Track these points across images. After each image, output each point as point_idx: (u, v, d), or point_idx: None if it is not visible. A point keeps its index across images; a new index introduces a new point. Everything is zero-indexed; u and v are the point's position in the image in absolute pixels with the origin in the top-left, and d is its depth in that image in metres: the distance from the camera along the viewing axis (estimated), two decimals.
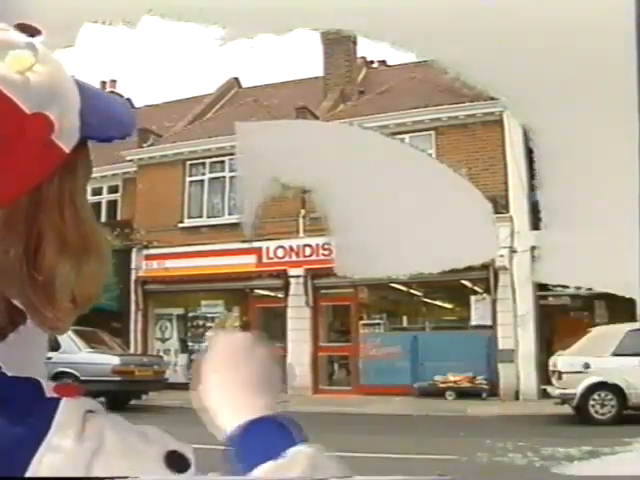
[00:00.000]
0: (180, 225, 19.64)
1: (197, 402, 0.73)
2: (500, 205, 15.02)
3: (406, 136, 15.17)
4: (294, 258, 17.98)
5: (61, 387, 0.57)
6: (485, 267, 14.72)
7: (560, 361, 12.32)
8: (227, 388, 0.76)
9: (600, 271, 1.07)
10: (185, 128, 21.63)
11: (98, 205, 22.16)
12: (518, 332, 15.76)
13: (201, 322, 19.65)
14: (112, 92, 26.93)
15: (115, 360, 14.42)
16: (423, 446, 9.29)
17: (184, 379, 18.76)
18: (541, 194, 1.06)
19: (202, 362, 0.85)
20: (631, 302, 1.07)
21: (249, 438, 0.67)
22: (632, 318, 9.52)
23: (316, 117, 18.41)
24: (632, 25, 0.90)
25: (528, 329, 15.74)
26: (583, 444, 9.13)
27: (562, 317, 16.02)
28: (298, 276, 17.88)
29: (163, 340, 20.01)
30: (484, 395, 15.47)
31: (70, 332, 14.47)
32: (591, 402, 11.86)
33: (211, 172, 19.71)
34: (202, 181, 19.93)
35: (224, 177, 19.27)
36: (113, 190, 21.90)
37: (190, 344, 19.61)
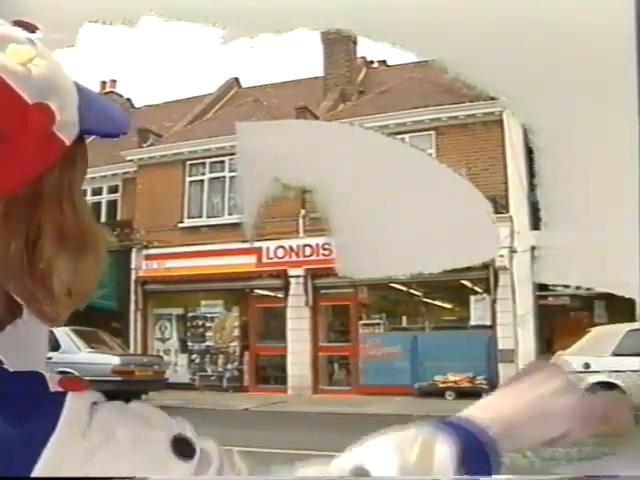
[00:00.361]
0: (180, 225, 19.65)
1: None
2: (500, 205, 15.03)
3: (406, 136, 15.17)
4: (294, 258, 17.98)
5: (66, 381, 0.57)
6: (485, 267, 14.73)
7: (560, 361, 12.32)
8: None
9: (600, 271, 1.07)
10: (185, 128, 21.64)
11: (98, 205, 22.18)
12: (518, 332, 15.77)
13: (201, 322, 19.66)
14: (112, 92, 26.98)
15: (115, 360, 14.43)
16: None
17: (184, 379, 18.79)
18: (541, 194, 1.06)
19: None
20: (631, 302, 1.07)
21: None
22: (632, 318, 9.52)
23: (316, 117, 18.41)
24: (632, 25, 0.90)
25: (528, 329, 15.75)
26: (583, 444, 9.13)
27: (562, 317, 16.02)
28: (298, 276, 17.89)
29: (163, 340, 20.02)
30: (484, 395, 15.43)
31: (70, 332, 14.49)
32: None
33: (211, 172, 19.71)
34: (202, 181, 19.94)
35: (224, 177, 19.28)
36: (113, 190, 21.91)
37: (190, 344, 19.62)
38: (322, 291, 17.81)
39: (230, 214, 18.59)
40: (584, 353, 12.02)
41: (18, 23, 0.61)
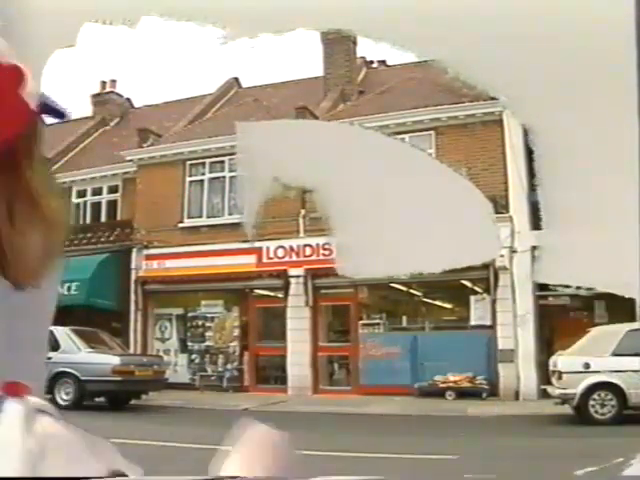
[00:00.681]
0: (180, 225, 19.64)
1: None
2: (500, 205, 15.02)
3: (406, 136, 15.17)
4: (294, 258, 17.98)
5: (9, 386, 0.55)
6: (485, 267, 14.72)
7: (560, 361, 12.32)
8: None
9: (600, 271, 1.07)
10: (185, 128, 21.64)
11: (98, 205, 22.18)
12: (518, 332, 15.76)
13: (201, 322, 19.65)
14: (112, 92, 26.97)
15: (115, 360, 14.42)
16: (423, 446, 9.29)
17: (184, 379, 18.78)
18: (541, 194, 1.06)
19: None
20: (631, 302, 1.07)
21: None
22: (632, 318, 9.53)
23: (316, 117, 18.41)
24: (632, 25, 0.90)
25: (528, 329, 15.74)
26: (583, 444, 9.13)
27: (562, 317, 16.01)
28: (298, 276, 17.88)
29: (163, 340, 20.01)
30: (484, 395, 15.47)
31: (70, 332, 14.48)
32: (591, 402, 11.86)
33: (211, 172, 19.71)
34: (202, 181, 19.93)
35: (224, 177, 19.27)
36: (113, 190, 21.90)
37: (190, 344, 19.61)
38: (322, 291, 17.81)
39: (230, 214, 18.58)
40: (584, 353, 12.02)
41: None
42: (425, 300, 17.96)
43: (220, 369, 18.96)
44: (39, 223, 0.59)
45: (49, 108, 0.60)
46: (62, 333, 14.03)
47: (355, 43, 20.73)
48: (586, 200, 1.05)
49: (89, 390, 14.07)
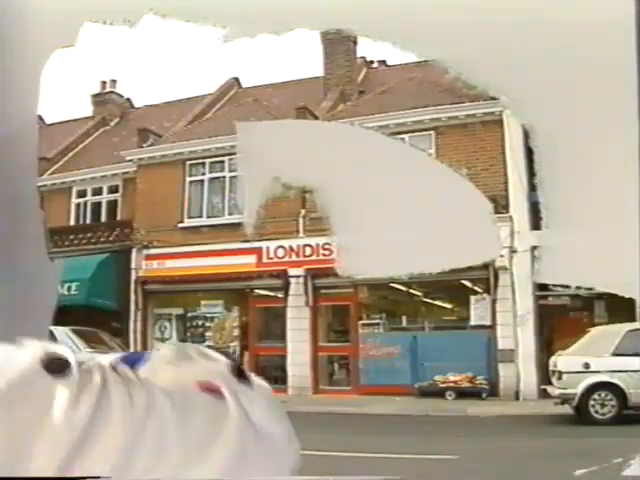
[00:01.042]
0: (180, 225, 19.64)
1: None
2: (500, 205, 15.02)
3: (406, 136, 15.16)
4: (294, 258, 17.98)
5: None
6: (485, 267, 14.72)
7: (560, 361, 12.32)
8: None
9: (600, 271, 1.07)
10: (185, 128, 21.63)
11: (98, 205, 22.17)
12: (518, 332, 15.76)
13: (201, 322, 19.66)
14: (112, 92, 26.96)
15: None
16: (423, 446, 9.29)
17: None
18: (541, 194, 1.06)
19: None
20: (631, 302, 1.07)
21: None
22: (632, 318, 9.53)
23: (316, 117, 18.40)
24: (632, 25, 0.90)
25: (528, 329, 15.74)
26: (583, 444, 9.13)
27: (562, 317, 16.01)
28: (298, 276, 17.88)
29: (163, 340, 19.99)
30: (484, 395, 15.47)
31: (70, 332, 14.48)
32: (591, 402, 11.86)
33: (211, 172, 19.70)
34: (202, 181, 19.92)
35: (224, 177, 19.26)
36: (113, 190, 21.89)
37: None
38: (322, 291, 17.80)
39: (230, 214, 18.58)
40: (584, 353, 12.02)
41: None
42: (425, 300, 17.96)
43: None
44: None
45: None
46: (62, 333, 14.02)
47: (355, 43, 20.72)
48: (586, 200, 1.05)
49: None
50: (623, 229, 0.97)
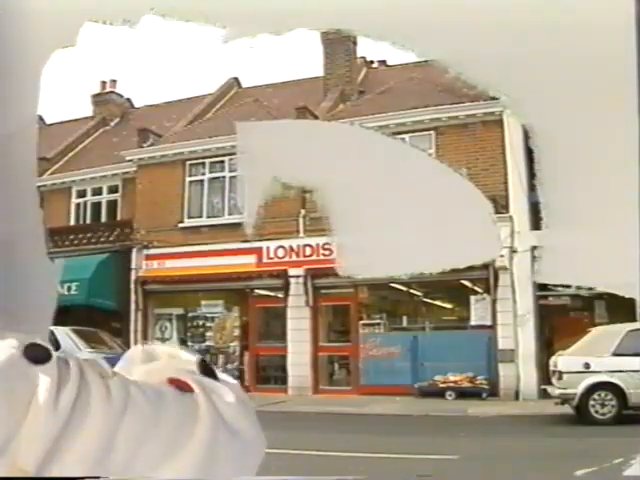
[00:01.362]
0: (180, 225, 19.65)
1: None
2: (500, 205, 15.03)
3: (406, 136, 15.17)
4: (294, 258, 17.98)
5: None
6: (485, 267, 14.73)
7: (560, 361, 12.32)
8: None
9: (601, 271, 1.07)
10: (185, 128, 21.64)
11: (98, 205, 22.18)
12: (518, 332, 15.77)
13: (201, 322, 19.67)
14: (112, 92, 26.98)
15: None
16: (423, 446, 9.29)
17: None
18: (541, 194, 1.06)
19: None
20: (631, 302, 1.07)
21: None
22: (632, 318, 9.53)
23: (316, 117, 18.41)
24: (632, 25, 0.90)
25: (528, 329, 15.74)
26: (583, 444, 9.13)
27: (562, 317, 16.02)
28: (298, 276, 17.89)
29: (163, 340, 20.00)
30: (484, 395, 15.48)
31: (70, 332, 14.50)
32: (591, 402, 11.86)
33: (211, 172, 19.71)
34: (202, 181, 19.93)
35: (224, 177, 19.27)
36: (113, 190, 21.90)
37: (190, 344, 19.61)
38: (322, 291, 17.81)
39: (230, 214, 18.59)
40: (584, 353, 12.02)
41: None
42: (425, 300, 17.97)
43: (220, 369, 18.94)
44: None
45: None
46: (62, 333, 14.03)
47: (355, 43, 20.74)
48: (586, 200, 1.05)
49: None
50: (623, 229, 0.97)
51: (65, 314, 13.44)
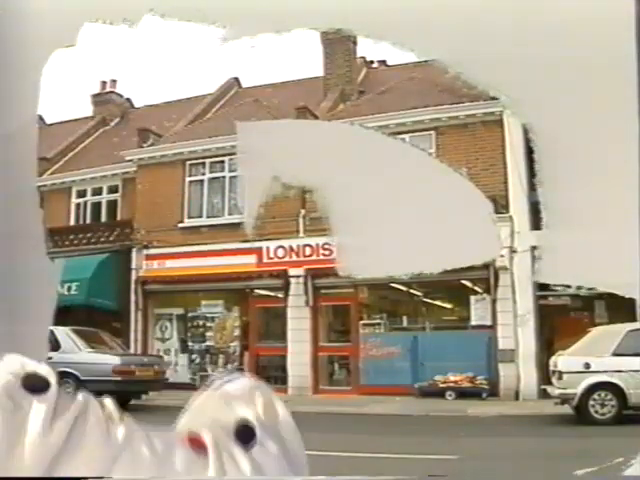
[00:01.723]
0: (180, 225, 19.64)
1: None
2: (500, 205, 15.02)
3: (406, 136, 15.16)
4: (294, 258, 17.98)
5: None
6: (485, 267, 14.72)
7: (560, 361, 12.31)
8: None
9: (601, 271, 1.07)
10: (185, 128, 21.64)
11: (98, 205, 22.18)
12: (518, 332, 15.76)
13: (201, 322, 19.66)
14: (112, 92, 26.96)
15: (115, 360, 14.42)
16: (423, 446, 9.29)
17: (184, 379, 18.78)
18: (541, 194, 1.06)
19: None
20: (631, 302, 1.07)
21: None
22: (632, 318, 9.52)
23: (316, 117, 18.41)
24: (632, 25, 0.90)
25: (528, 329, 15.74)
26: (583, 444, 9.13)
27: (562, 317, 16.01)
28: (298, 276, 17.88)
29: (163, 340, 20.01)
30: (484, 395, 15.47)
31: (70, 332, 14.48)
32: (591, 402, 11.85)
33: (211, 172, 19.71)
34: (202, 181, 19.93)
35: (224, 177, 19.27)
36: (113, 190, 21.89)
37: (190, 344, 19.62)
38: (322, 291, 17.80)
39: (230, 214, 18.59)
40: (584, 353, 12.01)
41: None
42: (425, 300, 17.96)
43: (221, 369, 18.95)
44: None
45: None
46: (62, 333, 14.02)
47: (355, 43, 20.72)
48: (586, 200, 1.05)
49: (89, 390, 13.95)
50: (623, 229, 0.97)
51: (65, 314, 13.43)
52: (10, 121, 1.05)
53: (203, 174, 19.92)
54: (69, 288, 17.60)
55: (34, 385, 0.52)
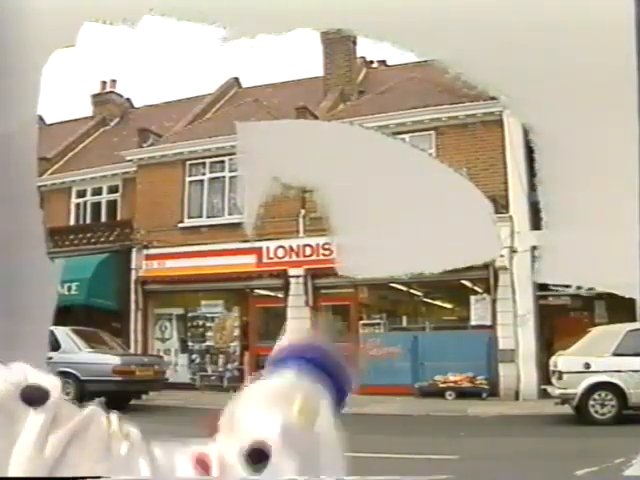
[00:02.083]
0: (180, 225, 19.64)
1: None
2: (500, 205, 15.02)
3: (406, 136, 15.16)
4: (294, 258, 17.97)
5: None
6: (485, 267, 14.72)
7: (560, 361, 12.31)
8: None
9: (601, 271, 1.07)
10: (185, 128, 21.63)
11: (98, 205, 22.17)
12: (518, 332, 15.76)
13: (201, 322, 19.65)
14: (112, 92, 26.96)
15: (115, 360, 14.42)
16: (423, 446, 9.28)
17: (184, 379, 18.78)
18: (541, 194, 1.06)
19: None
20: (631, 302, 1.07)
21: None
22: (632, 318, 9.52)
23: (316, 117, 18.40)
24: (632, 25, 0.90)
25: (528, 329, 15.74)
26: (583, 444, 9.13)
27: (562, 317, 16.01)
28: (298, 276, 17.88)
29: (163, 340, 20.01)
30: (484, 395, 15.47)
31: (70, 332, 14.47)
32: (591, 402, 11.85)
33: (211, 172, 19.71)
34: (202, 181, 19.93)
35: (224, 177, 19.27)
36: (113, 190, 21.89)
37: (190, 344, 19.61)
38: (322, 291, 17.80)
39: (230, 214, 18.58)
40: (584, 353, 12.01)
41: None
42: (425, 300, 17.96)
43: (220, 369, 18.96)
44: None
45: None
46: (62, 333, 14.02)
47: (355, 43, 20.72)
48: (586, 200, 1.05)
49: (89, 390, 14.04)
50: (623, 229, 0.97)
51: (65, 314, 13.43)
52: (10, 121, 1.05)
53: (203, 174, 19.92)
54: (69, 288, 17.60)
55: (33, 396, 0.51)
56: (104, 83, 27.03)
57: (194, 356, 19.49)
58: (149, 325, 19.98)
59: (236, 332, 19.25)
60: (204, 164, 19.80)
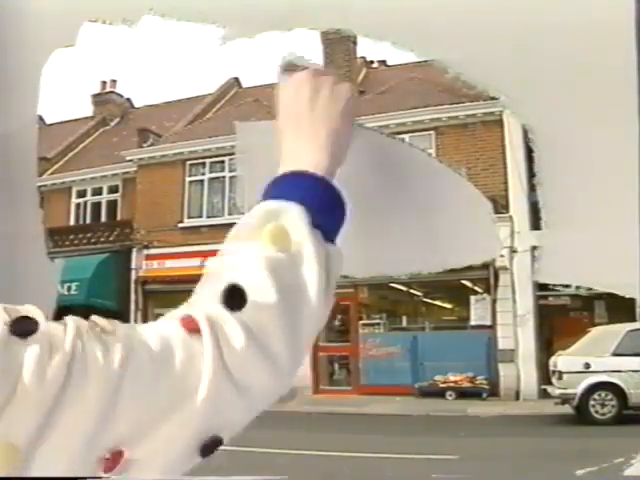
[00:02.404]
0: (180, 225, 19.65)
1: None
2: (500, 205, 15.03)
3: (406, 136, 15.16)
4: None
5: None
6: (485, 267, 14.73)
7: (560, 361, 12.32)
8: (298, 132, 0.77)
9: (600, 271, 1.07)
10: (185, 128, 21.64)
11: (98, 205, 22.18)
12: (518, 332, 15.77)
13: None
14: (112, 92, 26.96)
15: None
16: (423, 446, 9.29)
17: None
18: (541, 194, 1.06)
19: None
20: (631, 302, 1.07)
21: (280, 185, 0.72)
22: (632, 318, 9.53)
23: None
24: (632, 25, 0.90)
25: (528, 329, 15.74)
26: (583, 444, 9.13)
27: (562, 317, 16.02)
28: None
29: None
30: (484, 395, 15.47)
31: None
32: (591, 402, 11.86)
33: (211, 172, 19.71)
34: (202, 181, 19.93)
35: (224, 177, 19.27)
36: (113, 190, 21.90)
37: None
38: None
39: (230, 214, 18.59)
40: (584, 353, 12.02)
41: None
42: (425, 300, 17.96)
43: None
44: None
45: None
46: None
47: (355, 43, 20.73)
48: (586, 200, 1.05)
49: None
50: (623, 229, 0.97)
51: (65, 314, 13.42)
52: (10, 121, 1.05)
53: (203, 174, 19.92)
54: (69, 288, 17.60)
55: (23, 329, 0.51)
56: (104, 83, 27.04)
57: None
58: None
59: None
60: (204, 164, 19.81)
